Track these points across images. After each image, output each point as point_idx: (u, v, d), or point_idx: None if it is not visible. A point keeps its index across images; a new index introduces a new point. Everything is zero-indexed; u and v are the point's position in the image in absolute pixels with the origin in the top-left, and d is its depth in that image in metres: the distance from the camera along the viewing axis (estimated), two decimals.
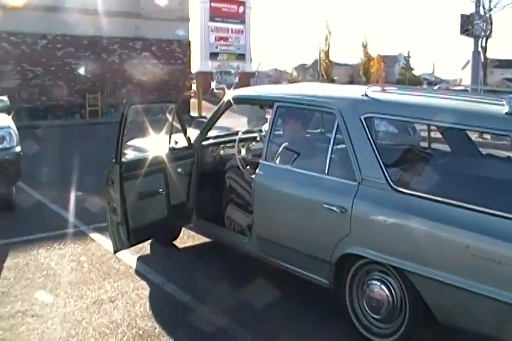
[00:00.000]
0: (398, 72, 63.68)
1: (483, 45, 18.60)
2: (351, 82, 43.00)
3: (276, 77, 58.83)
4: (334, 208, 3.40)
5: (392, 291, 3.27)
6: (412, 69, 64.04)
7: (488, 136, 10.77)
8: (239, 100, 4.62)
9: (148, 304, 3.98)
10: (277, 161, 4.03)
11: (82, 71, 20.16)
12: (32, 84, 19.44)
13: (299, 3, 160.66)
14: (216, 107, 4.73)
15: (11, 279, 4.41)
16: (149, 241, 5.00)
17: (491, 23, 18.01)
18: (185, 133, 4.72)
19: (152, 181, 4.33)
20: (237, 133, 5.13)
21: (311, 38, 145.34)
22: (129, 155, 4.71)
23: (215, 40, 34.18)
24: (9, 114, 7.24)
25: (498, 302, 2.69)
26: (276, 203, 3.95)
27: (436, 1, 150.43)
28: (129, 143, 5.10)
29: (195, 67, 32.01)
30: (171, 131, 4.61)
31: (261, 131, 4.99)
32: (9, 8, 17.66)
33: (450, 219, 2.90)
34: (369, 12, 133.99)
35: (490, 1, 18.56)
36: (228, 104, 4.58)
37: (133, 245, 4.34)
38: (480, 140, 10.10)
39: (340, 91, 4.23)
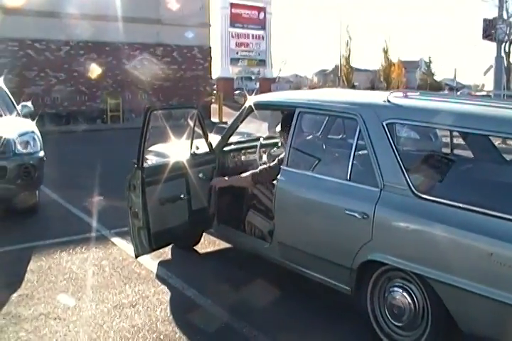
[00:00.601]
0: (419, 77, 63.24)
1: (507, 49, 18.41)
2: (372, 88, 42.83)
3: (297, 82, 58.91)
4: (356, 214, 3.38)
5: (414, 299, 3.23)
6: (433, 74, 63.55)
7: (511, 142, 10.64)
8: (260, 106, 4.63)
9: (168, 308, 3.99)
10: (299, 167, 4.03)
11: (103, 76, 20.39)
12: (55, 89, 19.76)
13: (320, 9, 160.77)
14: (237, 113, 4.76)
15: (34, 282, 4.47)
16: (170, 246, 5.02)
17: None
18: (206, 139, 4.74)
19: (173, 186, 4.35)
20: (258, 138, 5.15)
21: (332, 44, 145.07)
22: (151, 160, 4.76)
23: (236, 45, 34.24)
24: (33, 119, 7.35)
25: None
26: (298, 209, 3.94)
27: (458, 5, 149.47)
28: (151, 148, 5.15)
29: (216, 72, 32.15)
30: (193, 136, 4.63)
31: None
32: (34, 16, 17.93)
33: (473, 225, 2.86)
34: (390, 17, 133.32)
35: None
36: (249, 110, 4.58)
37: (154, 250, 4.36)
38: (503, 146, 9.99)
39: (362, 97, 4.22)
